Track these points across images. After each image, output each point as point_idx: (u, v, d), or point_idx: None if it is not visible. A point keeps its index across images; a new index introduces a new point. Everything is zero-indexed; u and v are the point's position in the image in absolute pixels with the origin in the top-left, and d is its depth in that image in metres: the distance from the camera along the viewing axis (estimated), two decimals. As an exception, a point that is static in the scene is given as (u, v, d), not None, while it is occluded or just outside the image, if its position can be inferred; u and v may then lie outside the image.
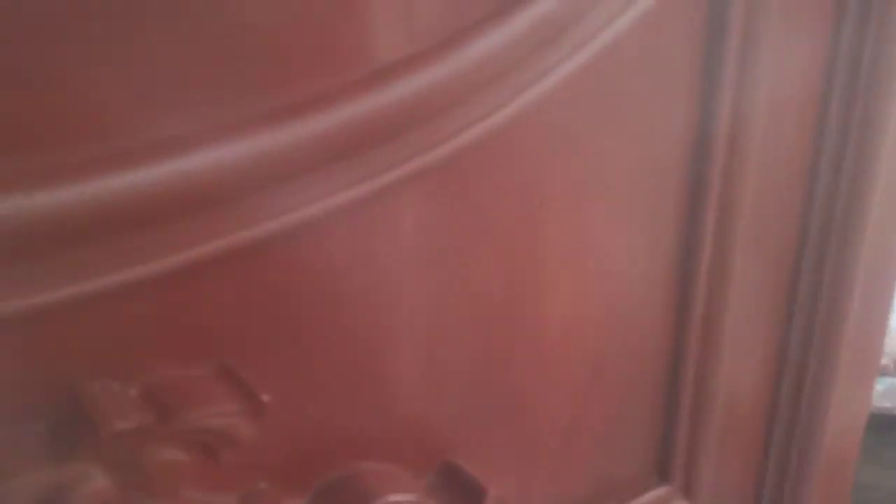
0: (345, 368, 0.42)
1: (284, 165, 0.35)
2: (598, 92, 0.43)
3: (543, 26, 0.38)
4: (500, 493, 0.47)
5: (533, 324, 0.49)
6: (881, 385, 0.84)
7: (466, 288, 0.45)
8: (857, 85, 0.53)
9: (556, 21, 0.38)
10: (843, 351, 0.68)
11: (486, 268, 0.46)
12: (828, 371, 0.68)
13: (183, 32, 0.31)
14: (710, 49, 0.45)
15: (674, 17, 0.43)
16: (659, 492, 0.62)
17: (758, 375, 0.66)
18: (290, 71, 0.34)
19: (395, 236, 0.41)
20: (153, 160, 0.32)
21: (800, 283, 0.65)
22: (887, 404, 0.84)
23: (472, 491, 0.46)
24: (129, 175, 0.31)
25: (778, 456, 0.71)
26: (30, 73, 0.29)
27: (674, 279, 0.57)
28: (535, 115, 0.42)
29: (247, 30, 0.32)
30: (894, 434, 0.92)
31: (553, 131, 0.43)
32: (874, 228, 0.59)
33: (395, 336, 0.43)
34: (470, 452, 0.48)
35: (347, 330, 0.41)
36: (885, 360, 0.86)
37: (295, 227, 0.37)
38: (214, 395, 0.36)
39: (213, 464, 0.36)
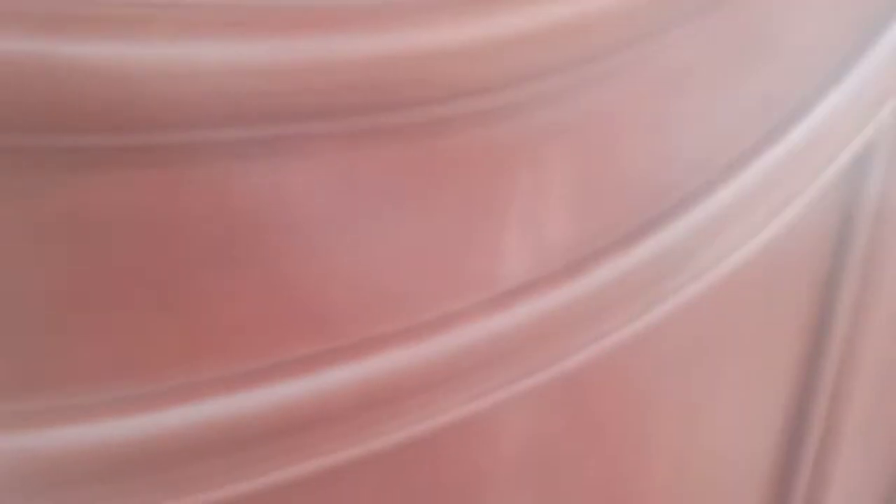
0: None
1: (408, 384, 0.35)
2: (718, 315, 0.43)
3: (668, 256, 0.38)
4: None
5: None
6: None
7: (566, 494, 0.44)
8: None
9: (682, 250, 0.38)
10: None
11: (589, 476, 0.44)
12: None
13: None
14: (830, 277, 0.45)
15: (798, 248, 0.43)
16: None
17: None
18: (420, 295, 0.34)
19: (502, 450, 0.40)
20: (271, 382, 0.32)
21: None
22: None
23: None
24: (255, 393, 0.32)
25: None
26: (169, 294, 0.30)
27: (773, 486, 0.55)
28: (654, 337, 0.41)
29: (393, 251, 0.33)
30: None
31: (671, 351, 0.42)
32: None
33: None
34: None
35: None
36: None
37: (409, 441, 0.36)
38: None
39: None
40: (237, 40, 0.24)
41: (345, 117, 0.28)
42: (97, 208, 0.26)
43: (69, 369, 0.29)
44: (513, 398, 0.39)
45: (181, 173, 0.27)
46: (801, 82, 0.41)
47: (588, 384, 0.41)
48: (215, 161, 0.27)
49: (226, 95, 0.25)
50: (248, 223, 0.30)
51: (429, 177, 0.33)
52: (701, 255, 0.40)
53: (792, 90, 0.41)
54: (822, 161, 0.42)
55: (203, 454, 0.32)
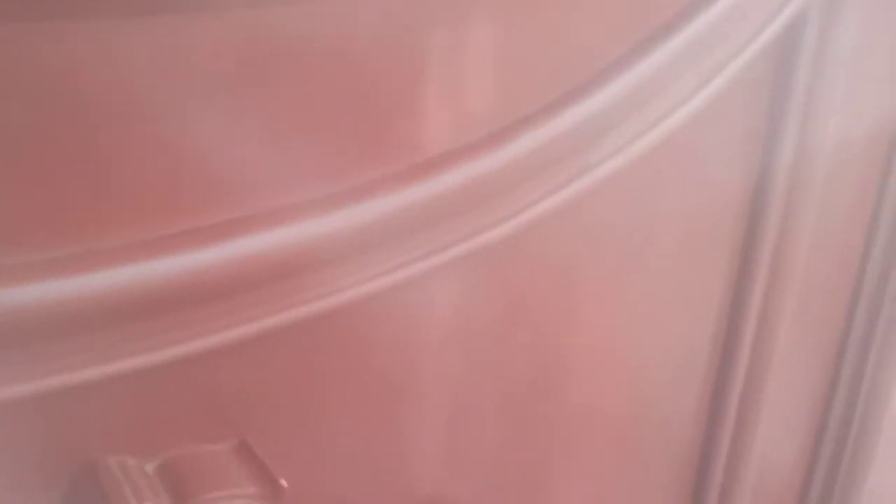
0: (368, 450, 0.41)
1: (325, 252, 0.34)
2: (648, 181, 0.42)
3: (592, 125, 0.37)
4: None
5: (560, 407, 0.48)
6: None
7: (496, 370, 0.45)
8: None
9: (605, 120, 0.38)
10: (883, 433, 0.67)
11: (518, 351, 0.45)
12: (866, 454, 0.67)
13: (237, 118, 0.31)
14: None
15: (728, 120, 0.42)
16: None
17: (793, 456, 0.65)
18: (344, 160, 0.33)
19: (427, 321, 0.40)
20: (184, 247, 0.31)
21: (843, 365, 0.64)
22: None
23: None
24: (157, 263, 0.31)
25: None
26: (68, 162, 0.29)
27: (711, 361, 0.56)
28: (579, 210, 0.41)
29: (307, 120, 0.32)
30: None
31: (597, 225, 0.42)
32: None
33: (420, 417, 0.42)
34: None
35: (372, 411, 0.40)
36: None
37: (327, 311, 0.36)
38: (232, 477, 0.35)
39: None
40: None
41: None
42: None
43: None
44: (436, 269, 0.39)
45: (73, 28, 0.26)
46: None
47: (512, 256, 0.41)
48: (106, 17, 0.26)
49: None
50: (149, 86, 0.29)
51: (346, 40, 0.32)
52: (626, 125, 0.39)
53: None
54: (751, 29, 0.41)
55: (116, 320, 0.32)
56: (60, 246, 0.29)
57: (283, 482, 0.35)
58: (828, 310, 0.61)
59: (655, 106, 0.39)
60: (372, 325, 0.38)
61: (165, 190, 0.30)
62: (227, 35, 0.29)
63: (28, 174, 0.28)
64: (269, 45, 0.30)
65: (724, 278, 0.53)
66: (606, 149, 0.39)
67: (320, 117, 0.33)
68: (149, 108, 0.28)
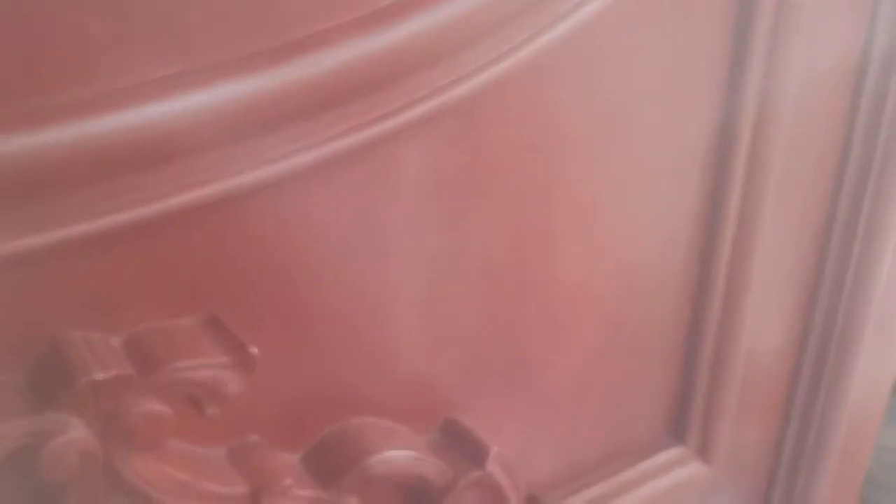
0: (340, 323, 0.40)
1: (276, 110, 0.33)
2: (621, 37, 0.41)
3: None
4: (504, 452, 0.45)
5: (543, 282, 0.47)
6: (911, 348, 0.81)
7: (473, 244, 0.44)
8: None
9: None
10: (871, 312, 0.66)
11: (495, 224, 0.44)
12: (855, 332, 0.66)
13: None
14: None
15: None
16: (673, 453, 0.60)
17: (781, 336, 0.64)
18: (284, 14, 0.32)
19: (397, 188, 0.39)
20: (136, 104, 0.30)
21: (830, 241, 0.63)
22: (916, 368, 0.81)
23: (475, 449, 0.45)
24: (112, 119, 0.30)
25: (799, 419, 0.69)
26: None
27: (697, 236, 0.55)
28: (551, 62, 0.39)
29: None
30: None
31: (572, 79, 0.41)
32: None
33: (394, 291, 0.41)
34: (473, 411, 0.47)
35: (343, 284, 0.39)
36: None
37: (289, 175, 0.35)
38: (201, 347, 0.34)
39: (199, 417, 0.35)
40: None
41: None
42: None
43: None
44: (404, 132, 0.38)
45: None
46: None
47: (484, 117, 0.40)
48: None
49: None
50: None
51: None
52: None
53: None
54: None
55: (62, 184, 0.30)
56: None
57: (254, 349, 0.34)
58: (813, 184, 0.59)
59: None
60: (337, 193, 0.37)
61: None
62: None
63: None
64: None
65: (707, 149, 0.52)
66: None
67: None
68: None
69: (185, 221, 0.34)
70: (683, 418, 0.60)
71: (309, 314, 0.39)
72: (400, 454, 0.42)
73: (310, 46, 0.33)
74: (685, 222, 0.54)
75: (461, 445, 0.46)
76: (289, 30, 0.33)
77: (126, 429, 0.32)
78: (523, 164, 0.43)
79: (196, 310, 0.36)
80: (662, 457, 0.59)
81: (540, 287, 0.47)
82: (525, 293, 0.46)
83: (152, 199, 0.32)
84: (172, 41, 0.31)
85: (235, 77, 0.31)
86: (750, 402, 0.63)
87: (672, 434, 0.61)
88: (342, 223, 0.39)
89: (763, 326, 0.61)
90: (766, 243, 0.57)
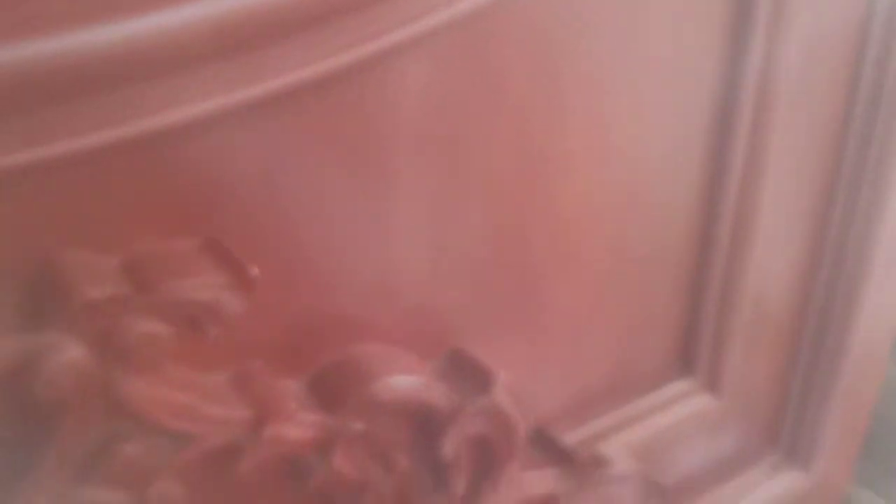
0: (341, 246, 0.39)
1: (271, 24, 0.31)
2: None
3: None
4: (510, 380, 0.45)
5: (549, 201, 0.46)
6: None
7: (477, 165, 0.42)
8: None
9: None
10: (881, 247, 0.65)
11: (500, 142, 0.43)
12: (864, 267, 0.65)
13: None
14: None
15: None
16: (681, 385, 0.59)
17: (791, 270, 0.63)
18: None
19: (397, 105, 0.38)
20: (127, 16, 0.29)
21: (840, 173, 0.62)
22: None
23: (482, 377, 0.44)
24: (100, 31, 0.29)
25: (808, 354, 0.68)
26: None
27: (706, 159, 0.53)
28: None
29: None
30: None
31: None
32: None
33: (395, 214, 0.40)
34: (478, 340, 0.46)
35: (343, 207, 0.38)
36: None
37: (285, 93, 0.34)
38: (200, 268, 0.33)
39: (199, 340, 0.34)
40: None
41: None
42: None
43: None
44: (405, 47, 0.36)
45: None
46: None
47: (489, 33, 0.38)
48: None
49: None
50: None
51: None
52: None
53: None
54: None
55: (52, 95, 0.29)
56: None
57: (255, 269, 0.33)
58: (823, 118, 0.58)
59: None
60: (337, 108, 0.36)
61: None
62: None
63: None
64: None
65: (716, 75, 0.50)
66: None
67: None
68: None
69: (176, 140, 0.33)
70: (692, 350, 0.59)
71: (308, 238, 0.38)
72: (405, 380, 0.41)
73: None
74: (693, 149, 0.52)
75: (467, 373, 0.45)
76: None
77: (124, 349, 0.31)
78: (529, 84, 0.41)
79: (194, 233, 0.35)
80: (670, 389, 0.59)
81: (546, 209, 0.46)
82: (530, 216, 0.45)
83: (141, 115, 0.31)
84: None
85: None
86: (759, 336, 0.63)
87: (680, 366, 0.60)
88: (341, 143, 0.37)
89: (772, 259, 0.60)
90: (776, 175, 0.55)
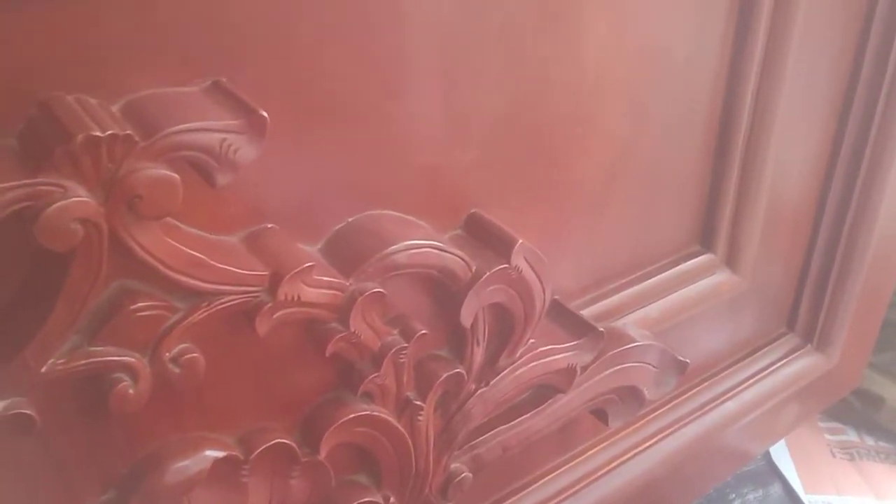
0: (352, 101, 0.37)
1: None
2: None
3: None
4: (530, 247, 0.43)
5: (567, 63, 0.44)
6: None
7: (493, 16, 0.40)
8: None
9: None
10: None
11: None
12: (886, 154, 0.63)
13: None
14: None
15: None
16: (702, 260, 0.58)
17: (810, 156, 0.61)
18: None
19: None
20: None
21: (863, 60, 0.59)
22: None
23: (501, 242, 0.43)
24: None
25: (826, 239, 0.67)
26: None
27: (728, 30, 0.51)
28: None
29: None
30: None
31: None
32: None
33: (409, 67, 0.38)
34: (497, 209, 0.45)
35: (354, 55, 0.36)
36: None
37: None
38: (206, 111, 0.31)
39: (209, 191, 0.32)
40: None
41: None
42: None
43: None
44: None
45: None
46: None
47: None
48: None
49: None
50: None
51: None
52: None
53: None
54: None
55: None
56: None
57: (264, 112, 0.31)
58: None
59: None
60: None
61: None
62: None
63: None
64: None
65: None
66: None
67: None
68: None
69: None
70: (712, 226, 0.58)
71: (318, 89, 0.36)
72: (422, 243, 0.40)
73: None
74: (716, 22, 0.50)
75: (485, 239, 0.43)
76: None
77: (130, 194, 0.29)
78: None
79: (198, 78, 0.33)
80: (691, 264, 0.57)
81: (564, 68, 0.44)
82: (549, 78, 0.43)
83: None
84: None
85: None
86: (777, 219, 0.61)
87: (700, 242, 0.59)
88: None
89: (792, 144, 0.58)
90: (799, 56, 0.53)
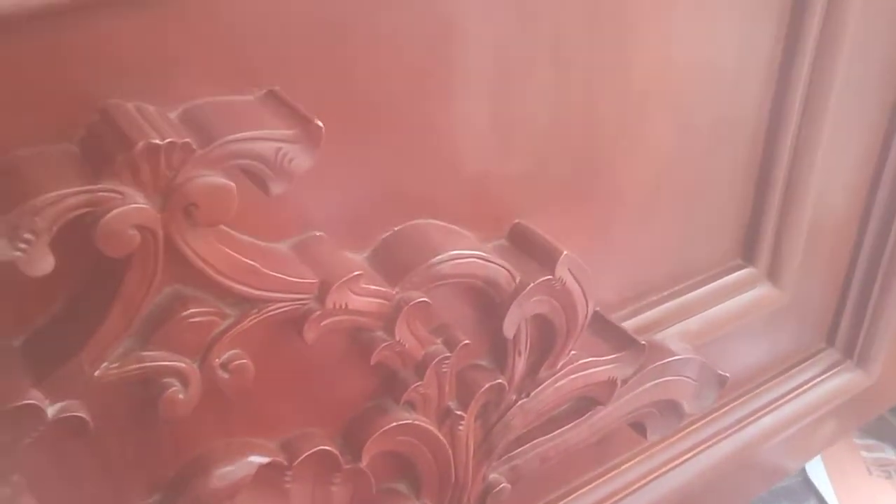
0: (403, 114, 0.37)
1: None
2: None
3: None
4: (574, 259, 0.43)
5: (616, 77, 0.44)
6: None
7: (544, 30, 0.40)
8: None
9: None
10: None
11: (568, 9, 0.40)
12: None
13: None
14: None
15: None
16: (744, 273, 0.58)
17: (854, 173, 0.61)
18: None
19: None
20: None
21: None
22: None
23: (545, 253, 0.43)
24: None
25: (867, 258, 0.66)
26: None
27: (776, 46, 0.51)
28: None
29: None
30: None
31: None
32: None
33: (460, 80, 0.38)
34: (541, 221, 0.44)
35: (406, 69, 0.36)
36: None
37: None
38: (262, 120, 0.32)
39: (262, 199, 0.32)
40: None
41: None
42: None
43: None
44: None
45: None
46: None
47: None
48: None
49: None
50: None
51: None
52: None
53: None
54: None
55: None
56: None
57: (319, 122, 0.32)
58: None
59: None
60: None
61: None
62: None
63: None
64: None
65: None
66: None
67: None
68: None
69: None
70: (754, 239, 0.58)
71: (370, 101, 0.36)
72: (467, 253, 0.40)
73: None
74: (764, 36, 0.50)
75: (529, 250, 0.43)
76: None
77: (187, 201, 0.30)
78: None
79: (254, 87, 0.33)
80: (733, 277, 0.57)
81: (612, 82, 0.44)
82: (597, 89, 0.43)
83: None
84: None
85: None
86: (820, 235, 0.61)
87: (742, 256, 0.58)
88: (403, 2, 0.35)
89: (836, 160, 0.57)
90: (846, 74, 0.53)
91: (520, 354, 0.45)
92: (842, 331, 0.70)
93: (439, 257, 0.39)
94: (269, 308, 0.34)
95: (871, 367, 0.72)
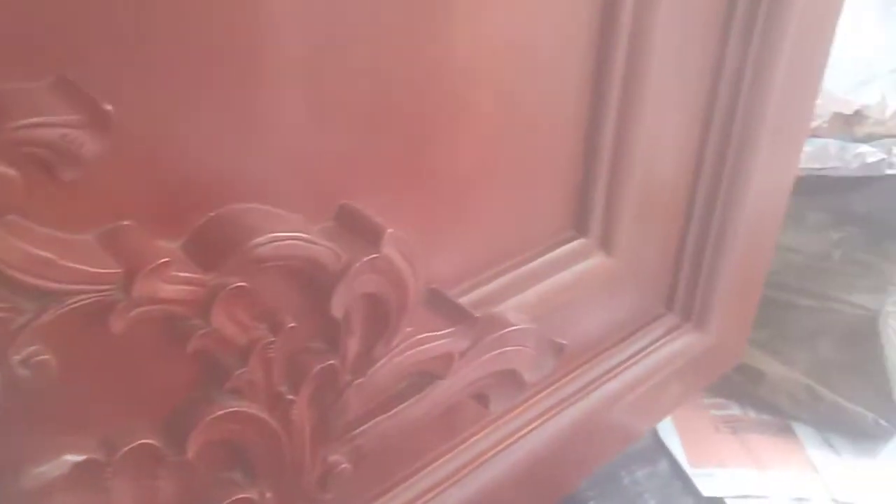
0: (213, 93, 0.36)
1: None
2: None
3: None
4: (401, 236, 0.43)
5: (438, 47, 0.44)
6: (810, 146, 0.82)
7: (357, 3, 0.40)
8: None
9: None
10: (769, 113, 0.65)
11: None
12: (753, 134, 0.66)
13: None
14: None
15: None
16: (576, 245, 0.59)
17: (680, 137, 0.63)
18: None
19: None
20: None
21: (728, 41, 0.61)
22: (815, 165, 0.82)
23: (370, 231, 0.43)
24: None
25: (699, 219, 0.69)
26: None
27: (595, 16, 0.52)
28: None
29: None
30: (820, 197, 0.91)
31: None
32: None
33: (269, 58, 0.38)
34: (367, 199, 0.44)
35: (212, 47, 0.35)
36: (817, 122, 0.83)
37: None
38: (46, 106, 0.30)
39: (55, 187, 0.31)
40: None
41: None
42: None
43: None
44: None
45: None
46: None
47: None
48: None
49: None
50: None
51: None
52: None
53: None
54: None
55: None
56: None
57: (109, 106, 0.31)
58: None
59: None
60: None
61: None
62: None
63: None
64: None
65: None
66: None
67: None
68: None
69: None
70: (585, 211, 0.59)
71: (172, 82, 0.35)
72: (288, 235, 0.39)
73: None
74: (583, 6, 0.51)
75: (356, 229, 0.43)
76: None
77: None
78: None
79: (43, 75, 0.32)
80: (566, 249, 0.58)
81: (433, 59, 0.44)
82: (419, 60, 0.43)
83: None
84: None
85: None
86: (650, 200, 0.63)
87: (575, 227, 0.60)
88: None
89: (662, 125, 0.59)
90: (664, 37, 0.54)
91: (352, 335, 0.45)
92: (679, 295, 0.72)
93: (257, 240, 0.38)
94: (71, 301, 0.33)
95: (709, 329, 0.76)
